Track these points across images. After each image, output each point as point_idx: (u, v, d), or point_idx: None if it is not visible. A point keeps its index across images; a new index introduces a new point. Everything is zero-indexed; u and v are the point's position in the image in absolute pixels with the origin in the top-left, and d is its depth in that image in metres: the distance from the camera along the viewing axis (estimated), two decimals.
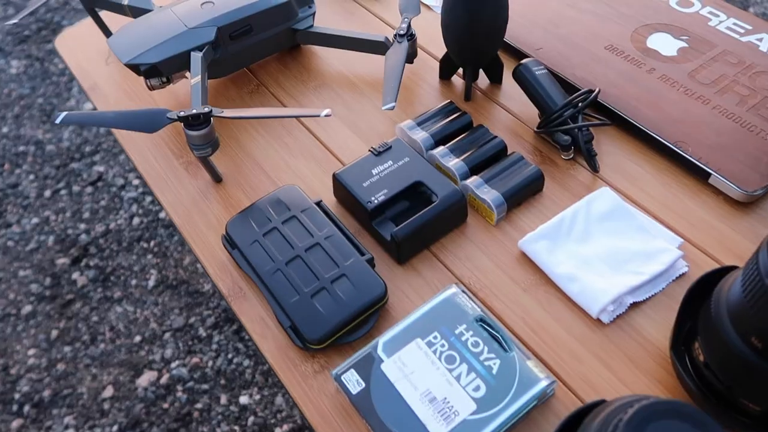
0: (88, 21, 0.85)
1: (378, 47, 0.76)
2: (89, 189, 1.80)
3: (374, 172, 0.63)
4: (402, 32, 0.72)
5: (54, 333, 1.51)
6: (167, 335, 1.50)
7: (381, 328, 0.56)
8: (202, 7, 0.73)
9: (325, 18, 0.86)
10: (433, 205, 0.60)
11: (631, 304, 0.55)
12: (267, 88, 0.78)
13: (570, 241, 0.59)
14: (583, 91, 0.66)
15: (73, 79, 2.10)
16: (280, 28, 0.77)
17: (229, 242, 0.61)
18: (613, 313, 0.55)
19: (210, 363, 1.44)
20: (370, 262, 0.58)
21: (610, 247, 0.58)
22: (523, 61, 0.69)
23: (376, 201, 0.60)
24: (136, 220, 1.72)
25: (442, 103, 0.71)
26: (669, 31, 0.77)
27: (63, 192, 1.79)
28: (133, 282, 1.59)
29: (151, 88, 0.71)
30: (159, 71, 0.70)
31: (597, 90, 0.65)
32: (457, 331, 0.52)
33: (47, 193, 1.80)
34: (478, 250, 0.61)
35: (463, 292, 0.55)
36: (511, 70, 0.70)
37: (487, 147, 0.66)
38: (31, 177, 1.84)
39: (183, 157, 0.71)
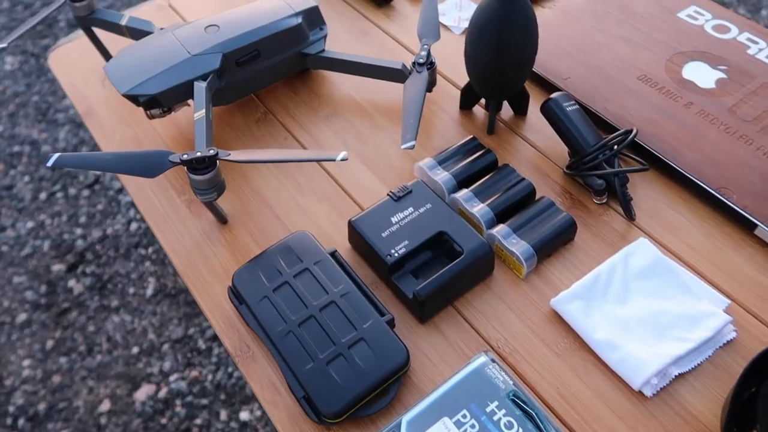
0: (84, 36, 0.79)
1: (395, 75, 0.70)
2: (86, 192, 1.74)
3: (393, 220, 0.57)
4: (421, 60, 0.66)
5: (50, 343, 1.46)
6: (166, 347, 1.44)
7: (402, 398, 0.51)
8: (207, 31, 0.67)
9: (337, 38, 0.80)
10: (458, 259, 0.54)
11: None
12: (275, 115, 0.72)
13: (607, 302, 0.54)
14: (619, 132, 0.60)
15: None
16: (290, 52, 0.71)
17: (237, 296, 0.55)
18: (656, 386, 0.50)
19: (210, 377, 1.39)
20: (390, 323, 0.52)
21: (651, 309, 0.53)
22: (553, 95, 0.63)
23: (396, 254, 0.55)
24: (134, 226, 1.66)
25: (465, 139, 0.65)
26: (705, 59, 0.71)
27: (59, 195, 1.73)
28: (131, 290, 1.54)
29: (151, 117, 0.65)
30: (159, 102, 0.64)
31: (634, 131, 0.60)
32: (488, 409, 0.47)
33: (43, 195, 1.74)
34: (506, 306, 0.56)
35: (493, 361, 0.50)
36: (537, 101, 0.64)
37: (514, 191, 0.60)
38: (26, 179, 1.78)
39: (186, 194, 0.65)
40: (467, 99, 0.70)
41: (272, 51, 0.69)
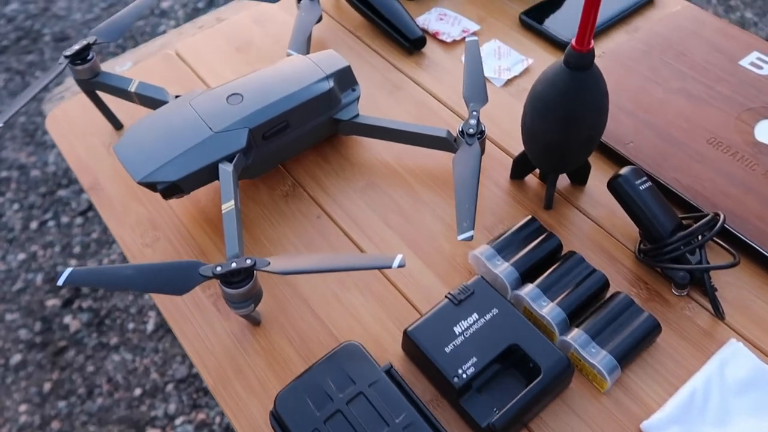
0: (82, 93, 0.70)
1: (439, 143, 0.62)
2: (79, 220, 1.64)
3: (457, 330, 0.49)
4: (471, 130, 0.58)
5: (47, 386, 1.37)
6: (170, 387, 1.36)
7: None
8: (229, 102, 0.58)
9: (367, 92, 0.72)
10: (537, 381, 0.47)
11: None
12: (304, 188, 0.64)
13: (706, 424, 0.47)
14: (704, 222, 0.53)
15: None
16: (321, 119, 0.63)
17: (281, 425, 0.47)
18: None
19: (218, 419, 1.31)
20: None
21: (759, 431, 0.46)
22: (622, 171, 0.56)
23: (464, 375, 0.47)
24: None
25: (523, 221, 0.57)
26: None
27: (51, 223, 1.63)
28: (131, 326, 1.45)
29: (167, 198, 0.57)
30: (180, 189, 0.56)
31: (722, 219, 0.52)
32: None
33: (33, 225, 1.64)
34: (587, 427, 0.48)
35: None
36: (597, 169, 0.57)
37: (585, 285, 0.53)
38: (16, 206, 1.67)
39: (211, 288, 0.57)
40: (520, 169, 0.62)
41: (302, 120, 0.61)
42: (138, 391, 1.35)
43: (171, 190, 0.55)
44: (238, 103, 0.58)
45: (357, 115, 0.63)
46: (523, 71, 0.72)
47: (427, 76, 0.73)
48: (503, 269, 0.54)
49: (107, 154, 0.68)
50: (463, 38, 0.76)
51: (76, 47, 0.62)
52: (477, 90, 0.61)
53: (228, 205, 0.52)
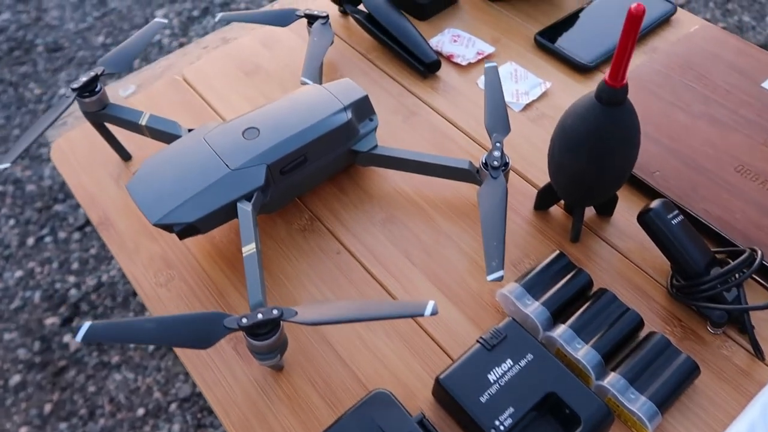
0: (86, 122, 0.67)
1: (461, 175, 0.60)
2: (77, 235, 1.61)
3: (491, 377, 0.47)
4: (496, 163, 0.56)
5: (47, 407, 1.34)
6: (173, 406, 1.34)
7: None
8: (245, 137, 0.56)
9: (382, 118, 0.69)
10: (577, 431, 0.45)
11: None
12: (322, 222, 0.61)
13: None
14: (741, 260, 0.51)
15: (51, 107, 1.88)
16: (339, 151, 0.60)
17: None
18: None
19: None
20: None
21: None
22: (653, 205, 0.54)
23: (502, 427, 0.45)
24: None
25: (551, 256, 0.55)
26: None
27: (48, 239, 1.60)
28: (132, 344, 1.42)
29: (183, 238, 0.54)
30: (197, 229, 0.53)
31: (759, 256, 0.51)
32: None
33: (30, 241, 1.60)
34: None
35: None
36: (624, 200, 0.55)
37: (619, 325, 0.51)
38: (12, 222, 1.64)
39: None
40: (545, 200, 0.60)
41: (320, 153, 0.59)
42: (141, 411, 1.33)
43: (188, 231, 0.53)
44: (255, 137, 0.56)
45: (376, 146, 0.61)
46: (542, 95, 0.70)
47: (443, 101, 0.71)
48: (534, 309, 0.52)
49: (116, 187, 0.65)
50: (479, 61, 0.74)
51: (84, 79, 0.60)
52: (499, 119, 0.59)
53: (249, 249, 0.50)
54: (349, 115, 0.59)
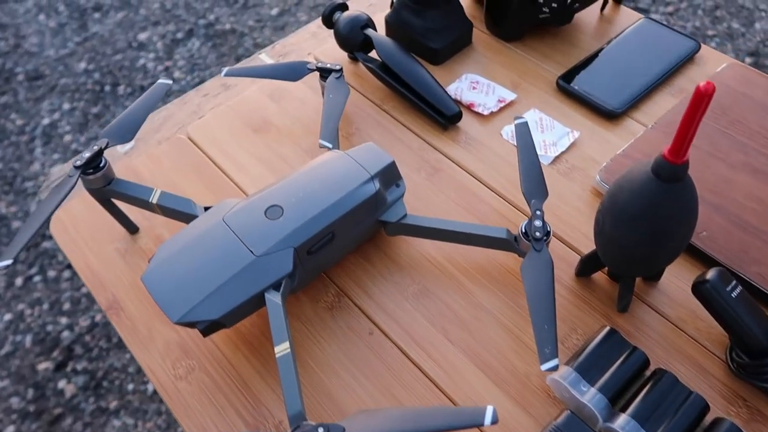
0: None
1: (499, 244, 0.56)
2: (67, 273, 1.55)
3: None
4: (538, 233, 0.52)
5: None
6: None
7: None
8: (268, 216, 0.51)
9: (404, 176, 0.65)
10: None
11: None
12: (350, 298, 0.57)
13: None
14: None
15: (35, 138, 1.81)
16: (367, 224, 0.56)
17: None
18: None
19: None
20: None
21: None
22: (709, 276, 0.50)
23: None
24: None
25: (602, 333, 0.51)
26: None
27: (37, 279, 1.54)
28: (130, 387, 1.37)
29: (207, 334, 0.50)
30: (222, 324, 0.48)
31: None
32: None
33: (18, 281, 1.54)
34: None
35: None
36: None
37: (685, 413, 0.47)
38: None
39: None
40: (589, 268, 0.56)
41: (348, 228, 0.54)
42: None
43: (212, 327, 0.48)
44: (278, 217, 0.51)
45: (405, 215, 0.57)
46: (570, 145, 0.67)
47: (466, 155, 0.67)
48: (591, 397, 0.48)
49: (125, 265, 0.60)
50: (500, 109, 0.70)
51: (87, 155, 0.54)
52: (537, 183, 0.55)
53: (282, 349, 0.45)
54: (377, 185, 0.54)
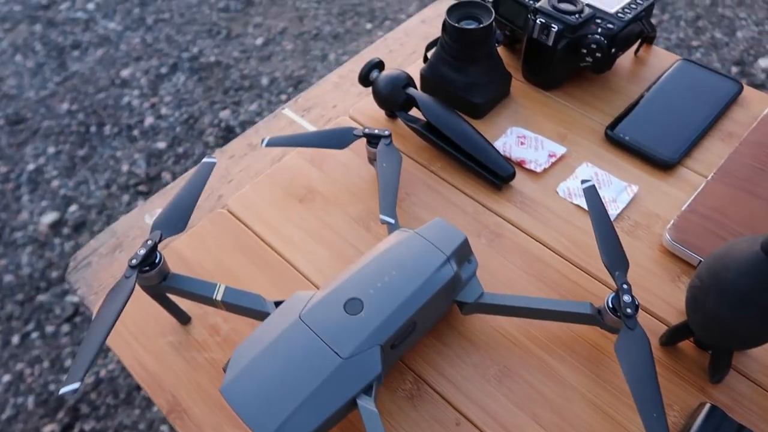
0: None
1: (583, 319, 0.53)
2: (66, 327, 1.48)
3: None
4: (629, 310, 0.50)
5: None
6: None
7: None
8: (348, 311, 0.48)
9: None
10: None
11: None
12: (430, 385, 0.54)
13: None
14: None
15: (21, 186, 1.74)
16: (445, 306, 0.53)
17: None
18: None
19: None
20: None
21: None
22: None
23: None
24: None
25: (704, 412, 0.49)
26: None
27: (34, 335, 1.47)
28: None
29: None
30: None
31: None
32: None
33: (15, 339, 1.47)
34: None
35: None
36: None
37: None
38: None
39: None
40: (677, 338, 0.54)
41: (428, 316, 0.51)
42: None
43: None
44: (359, 312, 0.48)
45: (482, 294, 0.54)
46: (631, 201, 0.64)
47: (525, 217, 0.64)
48: None
49: (181, 361, 0.56)
50: (552, 164, 0.68)
51: (142, 252, 0.50)
52: (617, 253, 0.53)
53: None
54: (454, 266, 0.51)
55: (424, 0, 2.20)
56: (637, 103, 0.72)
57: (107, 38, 2.15)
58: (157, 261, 0.51)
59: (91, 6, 2.27)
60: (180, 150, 1.81)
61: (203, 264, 0.62)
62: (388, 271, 0.50)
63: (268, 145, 0.65)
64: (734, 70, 1.94)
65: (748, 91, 0.74)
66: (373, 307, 0.48)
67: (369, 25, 2.12)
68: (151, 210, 0.74)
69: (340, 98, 0.83)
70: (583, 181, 0.57)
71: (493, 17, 0.68)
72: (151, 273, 0.51)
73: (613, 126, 0.70)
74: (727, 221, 0.60)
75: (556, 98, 0.75)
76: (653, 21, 2.14)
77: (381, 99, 0.70)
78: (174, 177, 1.74)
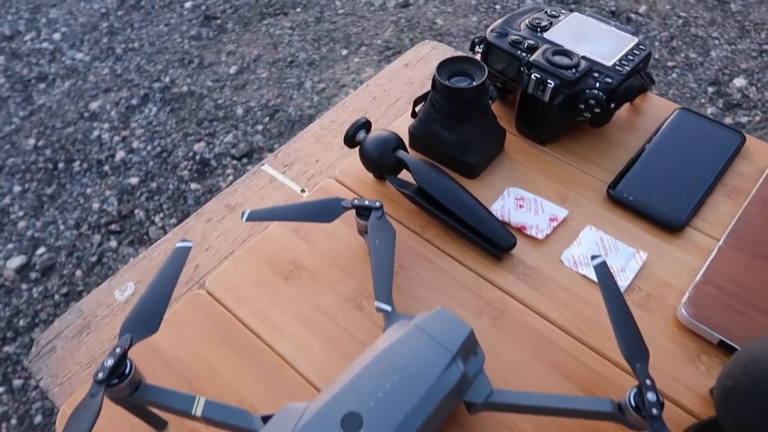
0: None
1: (604, 417, 0.48)
2: (34, 381, 1.39)
3: None
4: (655, 411, 0.45)
5: None
6: None
7: None
8: (345, 429, 0.42)
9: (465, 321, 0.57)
10: None
11: None
12: None
13: None
14: None
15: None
16: (451, 409, 0.47)
17: None
18: None
19: None
20: None
21: None
22: None
23: None
24: None
25: None
26: None
27: (0, 390, 1.38)
28: None
29: None
30: None
31: None
32: None
33: None
34: None
35: None
36: None
37: None
38: None
39: None
40: (705, 430, 0.49)
41: (434, 422, 0.45)
42: None
43: None
44: (358, 430, 0.42)
45: (491, 392, 0.48)
46: (640, 270, 0.60)
47: (530, 291, 0.59)
48: None
49: None
50: (554, 228, 0.63)
51: (110, 363, 0.44)
52: (636, 342, 0.48)
53: None
54: (460, 365, 0.46)
55: (399, 24, 2.16)
56: (637, 158, 0.68)
57: (75, 69, 2.06)
58: (127, 371, 0.45)
59: (57, 36, 2.19)
60: (153, 185, 1.73)
61: (180, 357, 0.56)
62: (388, 377, 0.44)
63: (249, 219, 0.59)
64: (710, 90, 1.93)
65: (751, 142, 0.70)
66: (374, 423, 0.42)
67: (345, 51, 2.07)
68: (120, 284, 0.67)
69: (323, 152, 0.77)
70: (592, 257, 0.52)
71: (486, 74, 0.63)
72: (121, 386, 0.45)
73: (614, 184, 0.65)
74: (745, 293, 0.56)
75: (553, 153, 0.70)
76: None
77: (369, 163, 0.64)
78: (147, 214, 1.66)
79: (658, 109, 0.75)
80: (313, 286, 0.60)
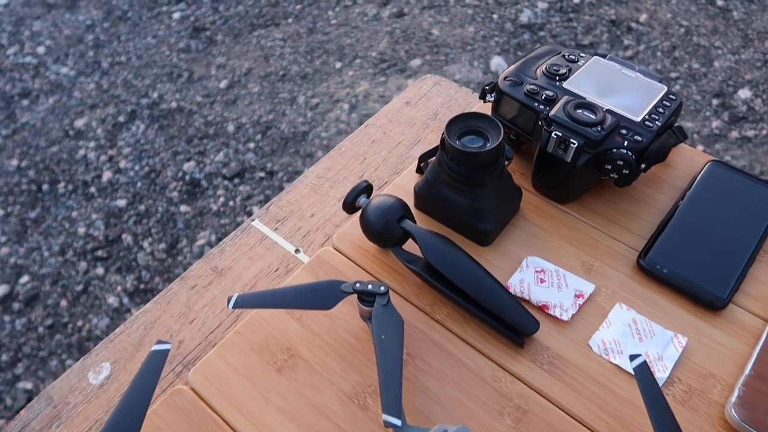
0: None
1: None
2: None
3: None
4: None
5: None
6: None
7: None
8: None
9: (483, 423, 0.49)
10: None
11: None
12: None
13: None
14: None
15: None
16: None
17: None
18: None
19: None
20: None
21: None
22: None
23: None
24: None
25: None
26: None
27: None
28: None
29: None
30: None
31: None
32: None
33: None
34: None
35: None
36: None
37: None
38: None
39: None
40: None
41: None
42: None
43: None
44: None
45: None
46: (680, 357, 0.52)
47: (556, 384, 0.51)
48: None
49: None
50: (580, 307, 0.56)
51: None
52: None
53: None
54: None
55: (393, 35, 2.08)
56: (668, 221, 0.60)
57: (59, 85, 1.97)
58: None
59: (41, 50, 2.09)
60: (141, 208, 1.65)
61: None
62: None
63: (236, 306, 0.51)
64: (715, 102, 1.86)
65: None
66: None
67: (338, 64, 1.99)
68: (95, 365, 0.60)
69: (319, 205, 0.70)
70: (631, 358, 0.45)
71: (501, 134, 0.55)
72: None
73: (645, 253, 0.58)
74: None
75: (574, 214, 0.63)
76: (630, 53, 2.05)
77: (372, 233, 0.57)
78: (136, 239, 1.58)
79: (688, 160, 0.67)
80: (309, 379, 0.52)
